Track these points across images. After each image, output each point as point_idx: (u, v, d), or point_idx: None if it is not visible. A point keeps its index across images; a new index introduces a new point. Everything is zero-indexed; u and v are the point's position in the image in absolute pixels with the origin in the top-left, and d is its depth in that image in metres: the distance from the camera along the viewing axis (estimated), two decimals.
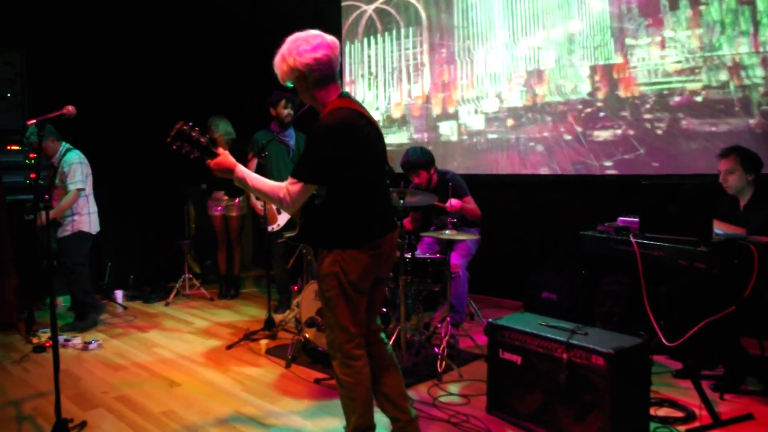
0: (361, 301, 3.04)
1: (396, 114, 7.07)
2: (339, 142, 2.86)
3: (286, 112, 6.01)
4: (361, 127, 2.95)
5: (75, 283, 5.75)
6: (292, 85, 3.04)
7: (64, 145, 5.67)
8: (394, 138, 7.04)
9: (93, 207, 5.81)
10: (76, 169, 5.58)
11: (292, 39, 2.98)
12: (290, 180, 2.87)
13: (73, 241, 5.68)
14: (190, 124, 3.01)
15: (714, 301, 3.49)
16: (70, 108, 3.60)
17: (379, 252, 3.01)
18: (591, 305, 4.95)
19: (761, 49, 4.52)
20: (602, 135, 5.38)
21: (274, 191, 2.90)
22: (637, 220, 3.70)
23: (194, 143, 3.01)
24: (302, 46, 2.93)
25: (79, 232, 5.70)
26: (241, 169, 2.97)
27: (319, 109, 3.04)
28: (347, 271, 2.94)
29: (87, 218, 5.74)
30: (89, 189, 5.76)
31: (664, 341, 3.48)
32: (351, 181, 2.93)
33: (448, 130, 6.57)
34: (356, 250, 2.94)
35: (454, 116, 6.51)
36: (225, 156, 3.00)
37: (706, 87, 4.79)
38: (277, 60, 3.01)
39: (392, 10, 6.99)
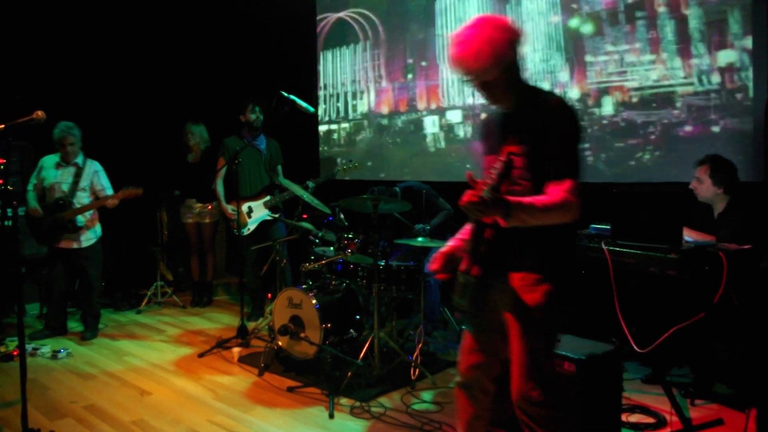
0: None
1: (373, 121, 7.08)
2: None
3: (254, 117, 6.11)
4: None
5: (95, 295, 5.85)
6: (491, 81, 2.43)
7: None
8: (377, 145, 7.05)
9: None
10: (103, 176, 5.75)
11: (478, 23, 2.40)
12: (556, 182, 2.31)
13: (99, 248, 5.80)
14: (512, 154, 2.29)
15: (684, 307, 3.53)
16: (40, 113, 3.55)
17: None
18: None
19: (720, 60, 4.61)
20: None
21: (559, 200, 2.29)
22: (608, 227, 3.73)
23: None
24: (497, 21, 2.41)
25: (101, 237, 5.81)
26: (515, 199, 2.25)
27: (514, 94, 2.49)
28: (564, 305, 2.45)
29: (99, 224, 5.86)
30: None
31: (635, 347, 3.51)
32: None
33: (429, 136, 6.59)
34: (571, 276, 2.47)
35: (427, 123, 6.53)
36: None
37: (679, 95, 4.85)
38: (476, 42, 2.37)
39: (371, 15, 7.01)
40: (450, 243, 2.76)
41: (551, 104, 2.41)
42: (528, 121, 2.40)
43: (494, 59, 2.36)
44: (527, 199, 2.27)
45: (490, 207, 2.17)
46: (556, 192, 2.29)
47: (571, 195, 2.29)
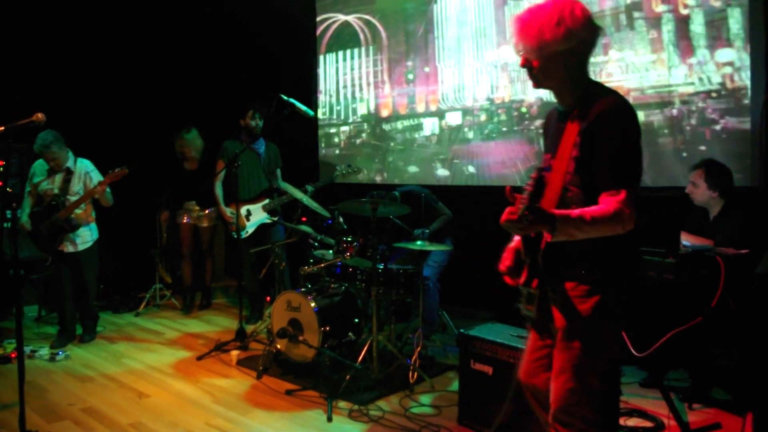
0: None
1: (373, 124, 7.09)
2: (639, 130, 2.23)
3: (253, 123, 6.06)
4: None
5: (91, 298, 5.77)
6: (533, 63, 2.30)
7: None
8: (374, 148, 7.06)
9: None
10: (96, 174, 5.59)
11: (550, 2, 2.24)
12: (610, 192, 2.18)
13: (95, 251, 5.71)
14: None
15: (681, 311, 3.53)
16: (40, 115, 3.55)
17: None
18: None
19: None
20: None
21: (611, 212, 2.14)
22: None
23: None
24: (564, 7, 2.23)
25: (97, 239, 5.72)
26: (561, 213, 2.12)
27: (570, 92, 2.35)
28: (619, 320, 2.30)
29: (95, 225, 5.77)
30: None
31: (633, 351, 3.52)
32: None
33: (430, 139, 6.60)
34: (627, 288, 2.30)
35: (426, 126, 6.54)
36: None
37: (678, 96, 4.86)
38: (532, 16, 2.23)
39: (373, 20, 7.02)
40: (517, 237, 2.57)
41: (605, 105, 2.21)
42: (581, 123, 2.23)
43: (535, 42, 2.22)
44: (576, 212, 2.12)
45: (530, 225, 2.06)
46: (609, 203, 2.15)
47: (625, 206, 2.14)
